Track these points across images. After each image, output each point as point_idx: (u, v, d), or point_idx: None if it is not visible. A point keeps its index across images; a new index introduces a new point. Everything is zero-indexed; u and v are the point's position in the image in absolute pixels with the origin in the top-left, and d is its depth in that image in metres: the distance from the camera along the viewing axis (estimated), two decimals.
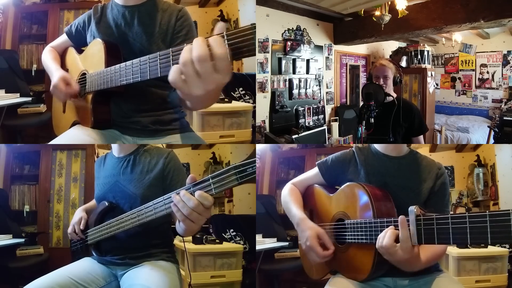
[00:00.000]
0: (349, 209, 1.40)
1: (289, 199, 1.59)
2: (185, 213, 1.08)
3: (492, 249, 2.88)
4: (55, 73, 1.56)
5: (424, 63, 5.10)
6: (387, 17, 3.54)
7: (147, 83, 1.27)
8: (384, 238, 1.13)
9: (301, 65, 4.17)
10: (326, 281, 1.44)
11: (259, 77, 3.69)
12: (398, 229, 1.12)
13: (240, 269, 3.08)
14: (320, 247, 1.37)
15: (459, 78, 6.00)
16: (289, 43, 3.93)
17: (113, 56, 1.41)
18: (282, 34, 3.93)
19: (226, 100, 3.35)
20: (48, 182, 3.46)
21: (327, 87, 4.66)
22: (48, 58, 1.68)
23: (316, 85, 4.44)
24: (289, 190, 1.64)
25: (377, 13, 3.60)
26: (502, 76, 5.50)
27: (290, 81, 4.05)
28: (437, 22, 3.31)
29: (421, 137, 2.31)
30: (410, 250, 1.10)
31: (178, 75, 0.92)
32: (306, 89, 4.27)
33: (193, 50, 0.90)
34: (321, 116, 4.49)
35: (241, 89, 3.53)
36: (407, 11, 3.47)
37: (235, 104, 3.40)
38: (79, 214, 1.66)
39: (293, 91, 4.08)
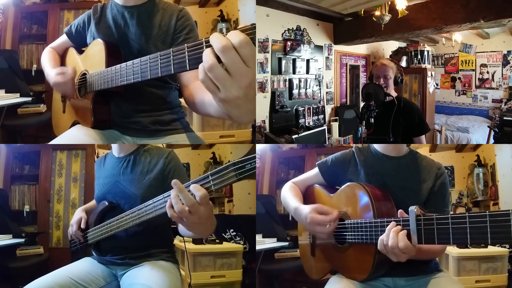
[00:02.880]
0: (349, 209, 1.40)
1: (287, 194, 1.60)
2: (176, 210, 1.08)
3: (492, 249, 2.88)
4: (51, 72, 1.58)
5: (424, 63, 5.10)
6: (387, 17, 3.54)
7: (147, 83, 1.27)
8: (389, 238, 1.12)
9: (301, 65, 4.16)
10: (326, 281, 1.44)
11: (259, 77, 3.69)
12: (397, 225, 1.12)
13: (240, 269, 3.08)
14: (321, 216, 1.35)
15: (459, 78, 6.00)
16: (289, 43, 3.93)
17: (113, 56, 1.41)
18: (282, 34, 3.92)
19: None
20: (48, 182, 3.46)
21: (327, 87, 4.66)
22: (46, 60, 1.69)
23: (316, 85, 4.44)
24: (289, 187, 1.65)
25: (377, 13, 3.59)
26: (502, 76, 5.49)
27: (290, 81, 4.05)
28: (437, 22, 3.31)
29: (423, 137, 2.29)
30: (412, 248, 1.10)
31: (215, 62, 0.80)
32: (306, 89, 4.27)
33: (231, 38, 0.80)
34: (321, 116, 4.49)
35: None
36: (407, 11, 3.47)
37: None
38: (78, 214, 1.67)
39: (293, 91, 4.08)
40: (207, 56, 0.81)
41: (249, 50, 0.80)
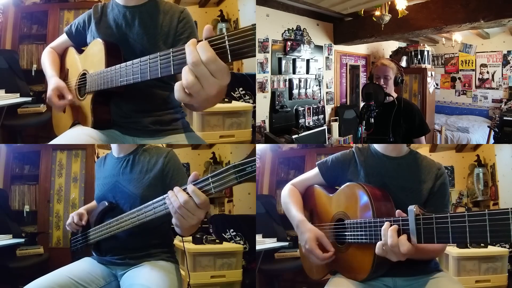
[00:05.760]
0: (349, 209, 1.40)
1: (288, 200, 1.59)
2: (175, 207, 1.11)
3: (492, 249, 2.88)
4: (50, 81, 1.58)
5: (424, 63, 5.10)
6: (387, 17, 3.54)
7: (147, 83, 1.27)
8: (388, 237, 1.11)
9: (301, 65, 4.16)
10: (326, 281, 1.44)
11: (259, 77, 3.69)
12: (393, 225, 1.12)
13: (240, 269, 3.08)
14: (319, 250, 1.37)
15: (459, 78, 6.00)
16: (289, 43, 3.93)
17: (113, 56, 1.41)
18: (282, 34, 3.93)
19: (226, 100, 3.35)
20: (48, 182, 3.46)
21: (327, 87, 4.66)
22: (46, 62, 1.68)
23: (316, 85, 4.44)
24: (289, 191, 1.64)
25: (377, 13, 3.60)
26: (502, 76, 5.49)
27: (290, 81, 4.05)
28: (437, 22, 3.31)
29: (423, 137, 2.29)
30: (412, 249, 1.09)
31: (192, 77, 0.91)
32: (306, 89, 4.27)
33: (200, 53, 0.91)
34: (321, 116, 4.49)
35: (241, 89, 3.53)
36: (407, 11, 3.47)
37: (235, 104, 3.41)
38: (79, 211, 1.67)
39: (293, 91, 4.08)
40: (186, 74, 0.92)
41: (216, 65, 0.90)
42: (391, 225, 1.13)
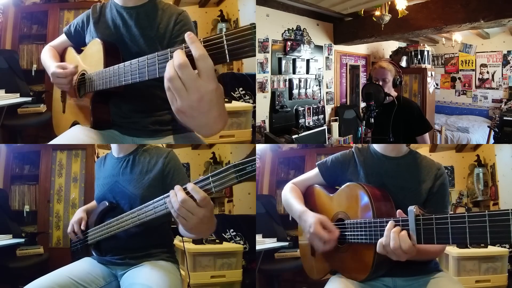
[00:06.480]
0: (349, 209, 1.40)
1: (289, 196, 1.60)
2: (175, 207, 1.10)
3: (492, 249, 2.88)
4: (52, 65, 1.56)
5: (424, 63, 5.10)
6: (387, 17, 3.54)
7: (147, 83, 1.27)
8: (391, 239, 1.10)
9: (301, 65, 4.16)
10: (326, 281, 1.44)
11: (259, 77, 3.69)
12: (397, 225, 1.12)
13: (240, 269, 3.08)
14: (324, 231, 1.36)
15: (459, 78, 6.00)
16: (289, 43, 3.93)
17: (112, 56, 1.41)
18: (282, 34, 3.93)
19: (226, 100, 3.36)
20: (48, 182, 3.46)
21: (327, 87, 4.66)
22: (46, 56, 1.68)
23: (316, 85, 4.44)
24: (290, 188, 1.65)
25: (377, 13, 3.60)
26: (502, 76, 5.49)
27: (290, 81, 4.05)
28: (437, 22, 3.31)
29: (427, 136, 2.28)
30: (414, 248, 1.09)
31: (175, 74, 0.88)
32: (306, 89, 4.27)
33: (174, 60, 0.88)
34: (321, 116, 4.49)
35: (241, 89, 3.53)
36: (407, 11, 3.47)
37: (235, 104, 3.40)
38: (79, 214, 1.67)
39: (293, 91, 4.08)
40: (169, 68, 0.89)
41: (204, 64, 0.87)
42: (395, 226, 1.12)
